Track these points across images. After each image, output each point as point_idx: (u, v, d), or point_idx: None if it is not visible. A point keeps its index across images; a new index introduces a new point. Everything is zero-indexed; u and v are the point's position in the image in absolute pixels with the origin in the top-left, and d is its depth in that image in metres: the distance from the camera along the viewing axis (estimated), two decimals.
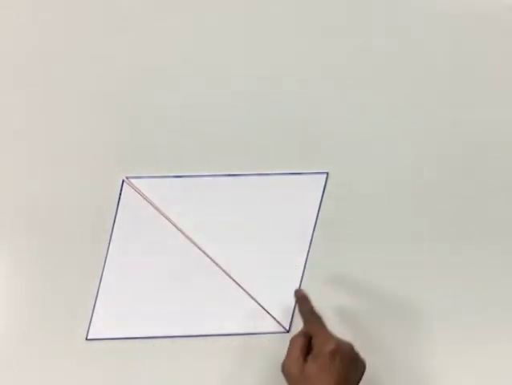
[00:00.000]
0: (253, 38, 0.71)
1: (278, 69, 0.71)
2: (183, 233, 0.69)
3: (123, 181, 0.69)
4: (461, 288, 0.70)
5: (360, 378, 0.58)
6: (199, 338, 0.68)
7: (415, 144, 0.71)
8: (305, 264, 0.69)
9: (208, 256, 0.69)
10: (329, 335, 0.59)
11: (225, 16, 0.71)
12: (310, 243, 0.69)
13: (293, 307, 0.68)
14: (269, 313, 0.68)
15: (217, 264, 0.69)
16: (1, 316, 0.68)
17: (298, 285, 0.69)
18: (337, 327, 0.67)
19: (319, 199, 0.70)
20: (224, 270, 0.69)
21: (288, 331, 0.68)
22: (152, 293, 0.68)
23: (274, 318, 0.68)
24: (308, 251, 0.69)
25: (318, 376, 0.55)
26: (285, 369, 0.58)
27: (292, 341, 0.59)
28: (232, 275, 0.69)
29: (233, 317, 0.68)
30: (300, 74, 0.71)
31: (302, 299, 0.63)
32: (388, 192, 0.71)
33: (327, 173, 0.70)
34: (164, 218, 0.69)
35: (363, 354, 0.59)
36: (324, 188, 0.70)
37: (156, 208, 0.69)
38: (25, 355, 0.67)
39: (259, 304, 0.68)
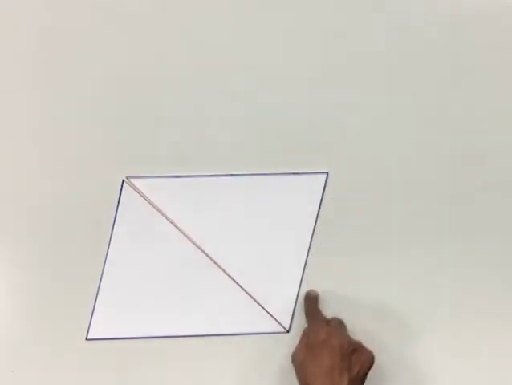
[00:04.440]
0: (253, 38, 0.71)
1: (278, 69, 0.71)
2: (183, 232, 0.69)
3: (123, 181, 0.69)
4: (463, 287, 0.70)
5: (363, 372, 0.60)
6: (199, 338, 0.68)
7: (415, 144, 0.71)
8: (305, 264, 0.69)
9: (208, 256, 0.69)
10: (322, 326, 0.63)
11: (225, 16, 0.71)
12: (310, 243, 0.69)
13: (293, 307, 0.68)
14: (269, 313, 0.68)
15: (216, 264, 0.69)
16: (1, 316, 0.68)
17: (298, 285, 0.69)
18: None
19: (319, 199, 0.70)
20: (224, 270, 0.69)
21: (288, 331, 0.68)
22: (152, 293, 0.68)
23: (274, 318, 0.68)
24: (308, 251, 0.69)
25: (309, 364, 0.60)
26: (293, 357, 0.63)
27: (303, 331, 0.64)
28: (232, 275, 0.69)
29: (233, 317, 0.68)
30: (300, 74, 0.71)
31: (311, 300, 0.68)
32: (388, 192, 0.71)
33: (327, 173, 0.70)
34: (164, 218, 0.69)
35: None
36: (324, 188, 0.70)
37: (156, 208, 0.69)
38: (25, 355, 0.67)
39: (259, 304, 0.68)
